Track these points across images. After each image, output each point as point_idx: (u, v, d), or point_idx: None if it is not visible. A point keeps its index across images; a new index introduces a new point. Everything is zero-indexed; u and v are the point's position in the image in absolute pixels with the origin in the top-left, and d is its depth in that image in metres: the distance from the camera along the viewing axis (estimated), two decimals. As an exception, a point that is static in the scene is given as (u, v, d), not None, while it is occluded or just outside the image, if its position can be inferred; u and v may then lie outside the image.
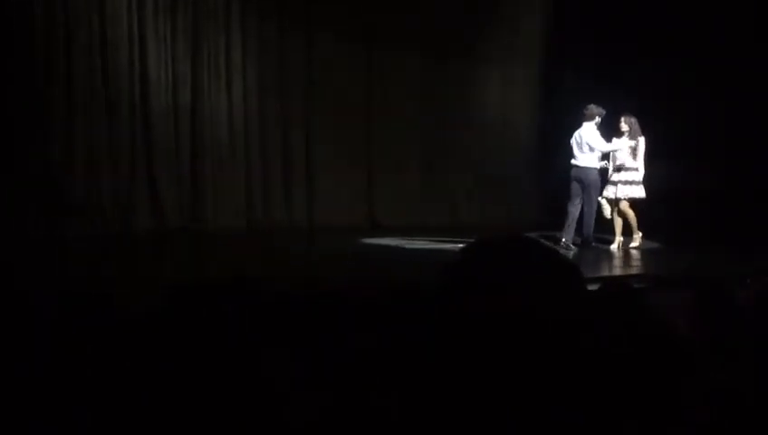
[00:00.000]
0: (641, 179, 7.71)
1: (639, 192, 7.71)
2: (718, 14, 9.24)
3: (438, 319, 1.20)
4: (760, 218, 8.40)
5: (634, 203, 7.74)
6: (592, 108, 7.73)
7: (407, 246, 7.95)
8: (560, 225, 7.87)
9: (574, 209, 7.72)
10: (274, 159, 9.60)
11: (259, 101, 9.46)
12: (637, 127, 7.72)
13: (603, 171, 7.80)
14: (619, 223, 7.82)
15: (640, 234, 7.85)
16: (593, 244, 7.82)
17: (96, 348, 1.61)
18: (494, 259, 1.20)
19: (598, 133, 7.70)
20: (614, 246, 7.80)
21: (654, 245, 8.07)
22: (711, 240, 7.89)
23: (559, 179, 11.11)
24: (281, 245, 8.16)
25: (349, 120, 10.01)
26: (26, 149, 7.59)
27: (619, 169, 7.74)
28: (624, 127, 7.73)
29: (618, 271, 6.79)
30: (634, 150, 7.68)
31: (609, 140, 7.77)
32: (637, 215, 7.76)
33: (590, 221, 7.72)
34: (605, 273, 6.48)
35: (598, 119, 7.72)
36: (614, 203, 7.79)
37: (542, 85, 11.60)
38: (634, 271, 6.65)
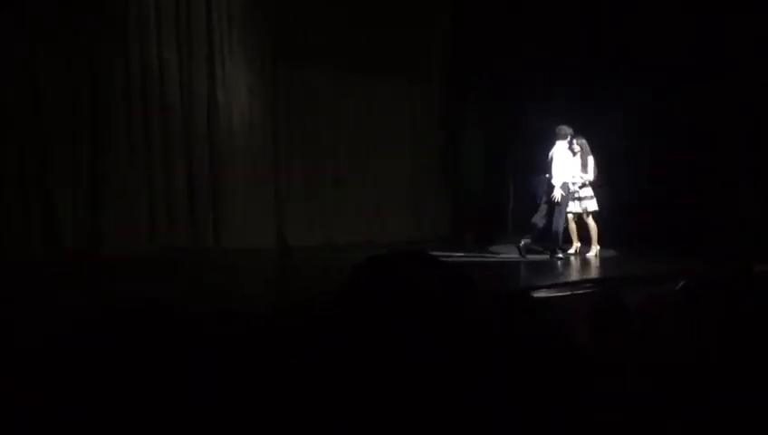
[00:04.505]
0: (593, 194, 8.61)
1: (593, 205, 8.61)
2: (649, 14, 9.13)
3: (332, 335, 1.23)
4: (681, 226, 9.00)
5: (594, 216, 8.62)
6: (564, 128, 8.44)
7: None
8: (467, 239, 8.21)
9: (538, 221, 8.41)
10: (178, 180, 9.34)
11: (160, 120, 9.23)
12: (587, 147, 8.58)
13: (567, 188, 8.46)
14: (574, 229, 8.71)
15: (598, 247, 8.62)
16: (562, 254, 8.44)
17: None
18: (385, 275, 1.25)
19: (566, 153, 8.38)
20: (572, 251, 8.68)
21: (612, 253, 8.77)
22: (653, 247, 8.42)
23: (466, 195, 11.43)
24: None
25: (255, 138, 9.93)
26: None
27: (582, 185, 8.60)
28: (576, 148, 8.57)
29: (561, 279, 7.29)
30: (585, 168, 8.57)
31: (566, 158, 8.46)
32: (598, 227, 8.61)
33: (555, 233, 8.37)
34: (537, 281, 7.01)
35: (569, 138, 8.41)
36: (575, 216, 8.66)
37: (444, 102, 11.77)
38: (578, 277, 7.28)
